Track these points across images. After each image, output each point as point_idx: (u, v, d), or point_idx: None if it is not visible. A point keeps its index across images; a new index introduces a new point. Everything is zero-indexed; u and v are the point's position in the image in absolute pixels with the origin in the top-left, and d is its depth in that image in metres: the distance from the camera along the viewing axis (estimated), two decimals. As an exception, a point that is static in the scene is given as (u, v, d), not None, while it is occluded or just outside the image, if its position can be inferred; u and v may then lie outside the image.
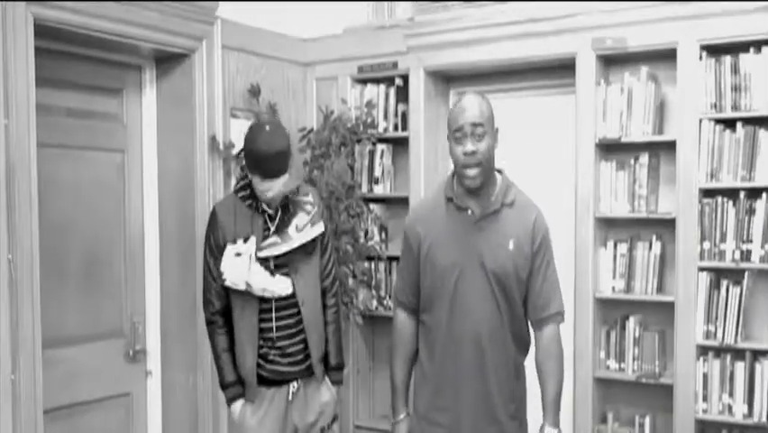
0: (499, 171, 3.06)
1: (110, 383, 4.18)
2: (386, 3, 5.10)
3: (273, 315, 3.36)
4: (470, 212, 2.98)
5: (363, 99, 4.94)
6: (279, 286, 3.33)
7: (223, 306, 3.39)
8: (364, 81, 5.00)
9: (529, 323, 3.07)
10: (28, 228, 3.42)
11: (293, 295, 3.36)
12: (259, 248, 3.29)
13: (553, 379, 2.99)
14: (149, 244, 4.39)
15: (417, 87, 4.75)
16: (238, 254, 3.28)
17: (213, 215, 3.41)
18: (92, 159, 4.10)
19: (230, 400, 3.42)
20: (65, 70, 3.95)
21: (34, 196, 3.45)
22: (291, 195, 3.38)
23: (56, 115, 3.91)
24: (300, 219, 3.38)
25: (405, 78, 4.84)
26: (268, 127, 3.28)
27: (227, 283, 3.30)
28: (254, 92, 4.58)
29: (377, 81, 4.97)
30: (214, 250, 3.35)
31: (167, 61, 4.32)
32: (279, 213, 3.36)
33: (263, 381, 3.40)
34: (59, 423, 3.85)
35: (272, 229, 3.33)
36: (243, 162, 3.37)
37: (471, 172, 2.88)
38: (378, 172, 4.98)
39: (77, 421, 4.01)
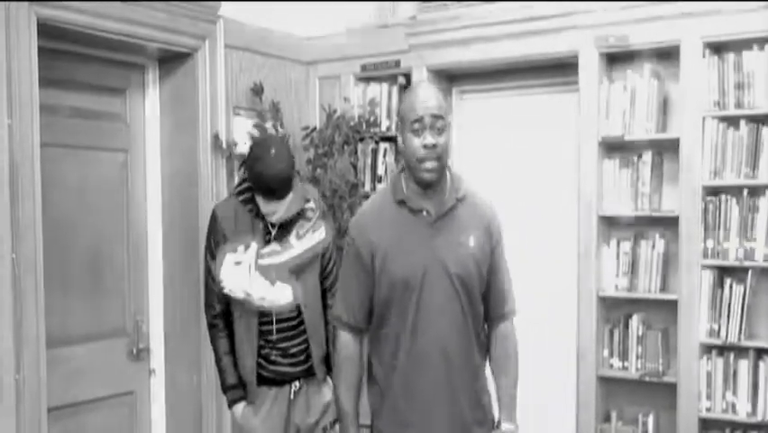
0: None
1: (113, 382, 4.18)
2: (388, 2, 5.09)
3: (274, 318, 3.35)
4: (425, 213, 2.73)
5: (366, 98, 4.94)
6: (279, 295, 3.29)
7: (224, 308, 3.38)
8: (367, 80, 5.00)
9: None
10: (31, 227, 3.43)
11: (294, 305, 3.34)
12: (259, 256, 3.26)
13: (510, 376, 2.85)
14: (152, 243, 4.39)
15: (420, 85, 4.74)
16: (238, 263, 3.25)
17: (213, 217, 3.37)
18: (95, 158, 4.10)
19: (231, 403, 3.41)
20: (68, 70, 3.96)
21: (38, 195, 3.46)
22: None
23: (59, 114, 3.91)
24: (301, 226, 3.34)
25: (407, 76, 4.83)
26: (273, 151, 3.19)
27: (225, 291, 3.28)
28: (257, 91, 4.58)
29: (379, 80, 4.97)
30: (215, 252, 3.32)
31: (170, 61, 4.32)
32: (277, 226, 3.32)
33: (265, 381, 3.40)
34: (63, 422, 3.86)
35: (273, 234, 3.31)
36: (245, 172, 3.35)
37: (430, 165, 2.65)
38: (380, 171, 4.97)
39: (80, 420, 4.02)
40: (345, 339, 2.85)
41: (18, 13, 3.37)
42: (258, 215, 3.29)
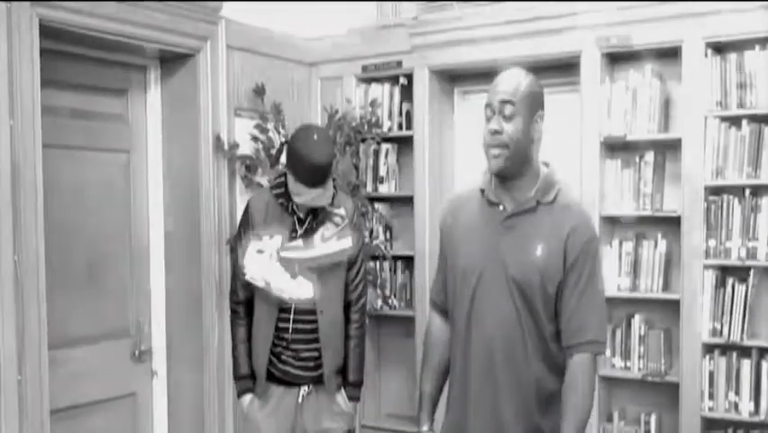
0: (546, 165, 2.69)
1: (116, 384, 4.18)
2: (390, 2, 5.10)
3: (291, 316, 3.38)
4: (501, 207, 2.59)
5: (368, 98, 4.94)
6: (298, 290, 3.32)
7: (247, 297, 3.45)
8: (369, 80, 5.00)
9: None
10: (33, 229, 3.42)
11: (313, 302, 3.36)
12: (283, 248, 3.30)
13: (573, 415, 2.50)
14: (154, 244, 4.38)
15: (422, 86, 4.75)
16: (260, 251, 3.31)
17: (247, 207, 3.46)
18: (97, 159, 4.10)
19: (240, 393, 3.46)
20: (70, 71, 3.95)
21: (40, 196, 3.46)
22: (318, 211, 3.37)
23: (61, 115, 3.91)
24: (327, 229, 3.37)
25: (409, 77, 4.83)
26: (316, 136, 3.25)
27: (247, 278, 3.34)
28: (259, 92, 4.57)
29: (381, 80, 4.97)
30: (244, 242, 3.39)
31: (171, 61, 4.32)
32: (310, 218, 3.36)
33: (274, 378, 3.43)
34: (65, 423, 3.85)
35: (300, 232, 3.35)
36: (285, 158, 3.41)
37: (494, 152, 2.50)
38: (382, 172, 4.98)
39: (82, 422, 4.01)
40: (435, 321, 2.83)
41: (20, 15, 3.37)
42: (288, 209, 3.34)
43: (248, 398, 3.45)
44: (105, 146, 4.13)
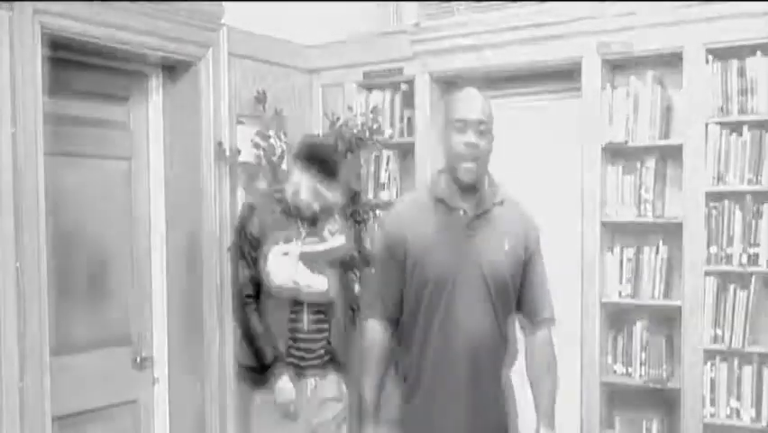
0: None
1: (117, 391, 4.17)
2: (391, 8, 5.10)
3: (306, 313, 3.54)
4: (462, 212, 2.78)
5: (369, 105, 4.94)
6: (318, 282, 3.52)
7: (256, 291, 3.54)
8: (370, 87, 5.00)
9: (517, 328, 2.93)
10: (35, 236, 3.43)
11: (327, 295, 3.56)
12: (304, 242, 3.51)
13: (548, 385, 2.87)
14: (155, 251, 4.39)
15: (423, 92, 4.75)
16: (285, 254, 3.47)
17: (250, 209, 3.61)
18: (99, 167, 4.10)
19: (277, 376, 3.48)
20: (72, 79, 3.96)
21: (41, 204, 3.46)
22: (320, 210, 3.57)
23: (63, 123, 3.91)
24: (331, 225, 3.61)
25: (410, 83, 4.84)
26: (331, 140, 3.74)
27: (275, 285, 3.47)
28: (260, 99, 4.58)
29: (382, 87, 4.97)
30: (251, 240, 3.52)
31: (173, 69, 4.33)
32: (308, 223, 3.57)
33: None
34: (67, 431, 3.84)
35: (303, 235, 3.54)
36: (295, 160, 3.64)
37: (468, 165, 2.72)
38: (384, 178, 4.98)
39: (84, 429, 4.00)
40: (373, 327, 2.91)
41: (22, 23, 3.38)
42: (290, 214, 3.54)
43: (286, 378, 3.48)
44: (106, 153, 4.14)
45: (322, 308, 3.57)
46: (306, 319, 3.54)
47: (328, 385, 3.63)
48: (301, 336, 3.54)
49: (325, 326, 3.58)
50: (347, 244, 3.70)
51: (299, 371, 3.54)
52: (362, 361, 2.93)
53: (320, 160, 3.49)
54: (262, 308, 3.53)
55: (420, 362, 2.80)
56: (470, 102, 2.77)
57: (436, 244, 2.77)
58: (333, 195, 3.55)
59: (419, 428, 2.84)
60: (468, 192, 2.79)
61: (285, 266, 3.46)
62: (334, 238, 3.59)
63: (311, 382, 3.58)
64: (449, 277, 2.74)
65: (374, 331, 2.91)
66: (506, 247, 2.78)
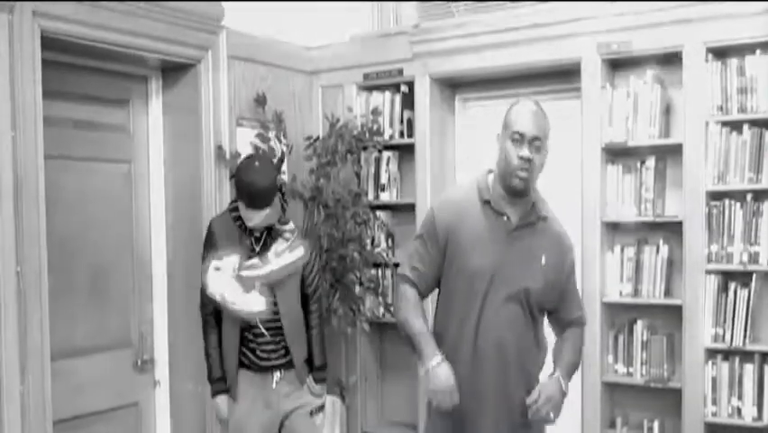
0: None
1: (118, 394, 4.18)
2: (391, 10, 5.10)
3: (259, 324, 3.59)
4: (506, 218, 2.92)
5: (369, 107, 4.94)
6: (251, 303, 3.55)
7: (216, 308, 3.64)
8: (370, 89, 5.01)
9: (552, 329, 3.14)
10: (36, 239, 3.44)
11: (275, 307, 3.59)
12: (241, 267, 3.53)
13: (571, 357, 3.03)
14: (156, 254, 4.39)
15: (423, 93, 4.75)
16: (217, 269, 3.54)
17: (209, 228, 3.69)
18: (99, 170, 4.11)
19: (214, 394, 3.69)
20: (71, 82, 3.96)
21: (42, 207, 3.47)
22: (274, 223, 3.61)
23: (63, 126, 3.92)
24: (279, 245, 3.60)
25: (410, 84, 4.84)
26: (257, 163, 3.50)
27: (207, 293, 3.57)
28: (260, 101, 4.58)
29: (382, 88, 4.97)
30: (206, 260, 3.61)
31: (173, 71, 4.33)
32: (264, 236, 3.61)
33: (246, 367, 3.65)
34: (69, 433, 3.86)
35: (257, 250, 3.58)
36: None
37: (522, 174, 2.84)
38: (384, 179, 4.98)
39: (85, 432, 4.01)
40: (406, 289, 3.01)
41: (22, 26, 3.38)
42: (245, 230, 3.58)
43: (223, 398, 3.67)
44: (106, 156, 4.14)
45: (275, 321, 3.61)
46: (258, 332, 3.60)
47: (295, 378, 3.71)
48: (257, 346, 3.62)
49: (280, 335, 3.63)
50: (302, 257, 3.65)
51: (264, 369, 3.64)
52: (400, 304, 3.03)
53: (246, 193, 3.44)
54: (223, 320, 3.63)
55: (454, 355, 2.91)
56: (530, 117, 2.89)
57: (478, 242, 2.90)
58: (268, 216, 3.51)
59: (447, 422, 2.96)
60: (515, 200, 2.92)
61: (216, 280, 3.52)
62: (280, 258, 3.58)
63: (276, 374, 3.66)
64: (486, 276, 2.87)
65: (408, 291, 3.01)
66: (542, 261, 2.93)
